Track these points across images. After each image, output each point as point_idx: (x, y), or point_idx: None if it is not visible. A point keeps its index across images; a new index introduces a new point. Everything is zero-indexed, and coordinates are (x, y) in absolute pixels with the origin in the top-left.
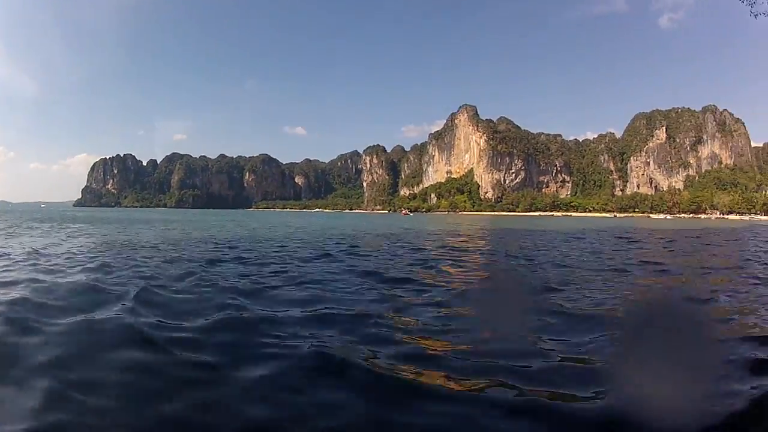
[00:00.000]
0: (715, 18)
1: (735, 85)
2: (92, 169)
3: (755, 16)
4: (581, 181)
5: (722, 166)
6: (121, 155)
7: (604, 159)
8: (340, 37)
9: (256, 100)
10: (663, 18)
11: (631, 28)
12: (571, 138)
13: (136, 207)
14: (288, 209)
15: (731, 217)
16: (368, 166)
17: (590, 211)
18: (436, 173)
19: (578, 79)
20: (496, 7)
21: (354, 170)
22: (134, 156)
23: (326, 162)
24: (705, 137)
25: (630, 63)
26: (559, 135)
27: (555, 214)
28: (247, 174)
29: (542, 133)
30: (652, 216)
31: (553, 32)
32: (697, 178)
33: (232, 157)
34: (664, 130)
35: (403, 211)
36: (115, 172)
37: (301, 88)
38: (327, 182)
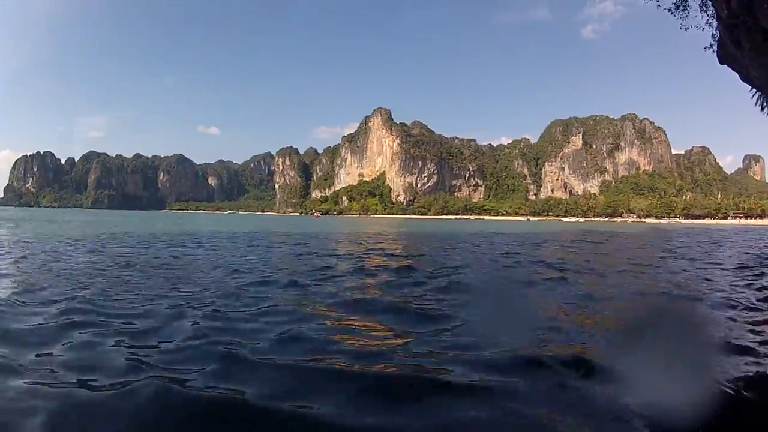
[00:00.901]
0: (642, 29)
1: (661, 95)
2: (14, 166)
3: (686, 29)
4: (494, 186)
5: (640, 171)
6: (41, 152)
7: (518, 164)
8: (257, 34)
9: (174, 97)
10: (586, 29)
11: (554, 37)
12: (486, 143)
13: (54, 207)
14: (201, 211)
15: (649, 220)
16: (281, 167)
17: (503, 215)
18: (348, 176)
19: (496, 86)
20: (417, 10)
21: (267, 172)
22: (53, 154)
23: (239, 163)
24: (623, 144)
25: (549, 71)
26: (473, 140)
27: (468, 217)
28: (162, 174)
29: (456, 138)
30: (564, 219)
31: (474, 38)
32: (613, 183)
33: (147, 157)
34: (581, 136)
35: (315, 214)
36: (35, 170)
37: (216, 85)
38: (240, 184)
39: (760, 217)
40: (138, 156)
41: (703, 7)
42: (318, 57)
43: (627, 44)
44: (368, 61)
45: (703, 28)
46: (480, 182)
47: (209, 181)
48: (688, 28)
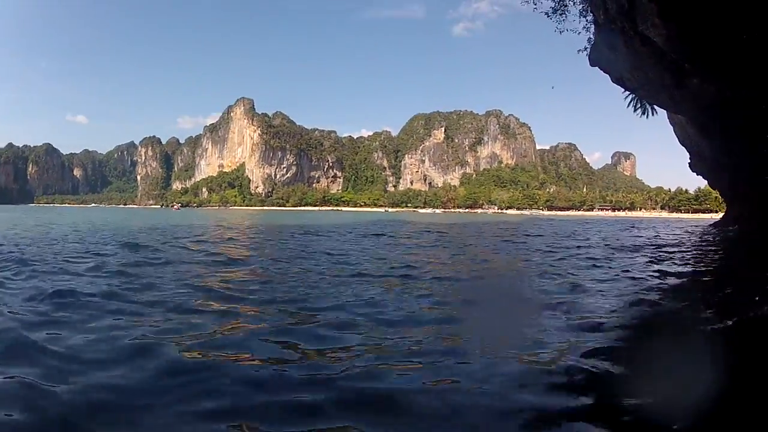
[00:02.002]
0: (516, 30)
1: (531, 94)
2: None
3: (561, 32)
4: (353, 177)
5: (503, 165)
6: None
7: (378, 156)
8: (127, 18)
9: (48, 82)
10: (458, 26)
11: (425, 34)
12: (346, 135)
13: None
14: (66, 204)
15: (510, 211)
16: (143, 158)
17: (362, 206)
18: (208, 167)
19: (361, 80)
20: (286, 1)
21: (129, 162)
22: None
23: (104, 153)
24: (486, 138)
25: (416, 67)
26: (334, 131)
27: (325, 208)
28: (31, 166)
29: (317, 129)
30: (420, 210)
31: (344, 32)
32: (474, 176)
33: (18, 147)
34: (443, 130)
35: (175, 206)
36: None
37: (82, 72)
38: (103, 175)
39: (629, 209)
40: (10, 146)
41: (583, 13)
42: (183, 44)
43: (499, 44)
44: (234, 51)
45: (579, 32)
46: (339, 174)
47: (74, 173)
48: (563, 31)
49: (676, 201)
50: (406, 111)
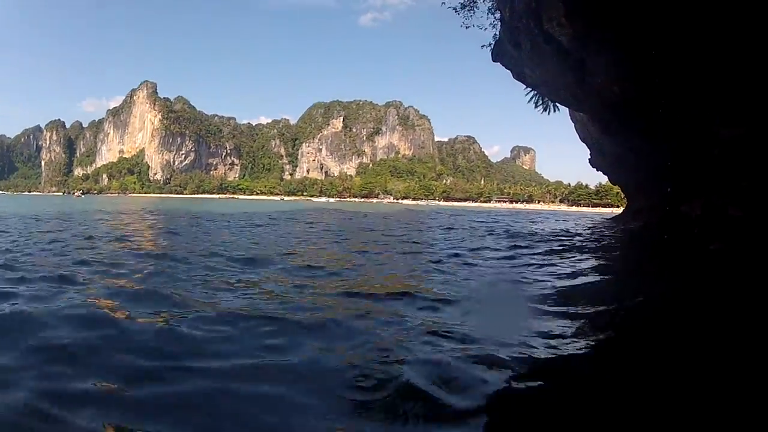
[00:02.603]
0: (423, 23)
1: (432, 86)
2: None
3: (467, 27)
4: (250, 165)
5: (400, 156)
6: None
7: (275, 144)
8: None
9: None
10: (366, 16)
11: (332, 23)
12: (245, 122)
13: None
14: None
15: (406, 201)
16: (47, 143)
17: (258, 194)
18: (109, 152)
19: (262, 66)
20: None
21: (35, 147)
22: None
23: (11, 137)
24: (384, 129)
25: (318, 56)
26: (233, 118)
27: (221, 196)
28: None
29: (216, 116)
30: (314, 199)
31: (250, 18)
32: (371, 165)
33: None
34: (342, 119)
35: (76, 194)
36: None
37: None
38: (11, 161)
39: (528, 202)
40: None
41: (492, 10)
42: (90, 21)
43: (404, 35)
44: (140, 30)
45: (486, 29)
46: (236, 161)
47: None
48: (469, 27)
49: (576, 195)
50: (307, 99)
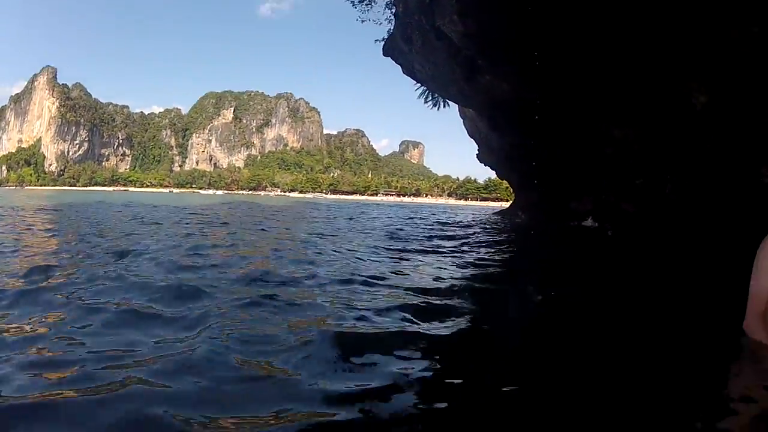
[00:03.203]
0: (319, 14)
1: (323, 79)
2: None
3: (362, 21)
4: (141, 156)
5: (288, 148)
6: None
7: (166, 134)
8: None
9: None
10: (265, 6)
11: (231, 12)
12: (138, 111)
13: None
14: None
15: (293, 194)
16: None
17: (149, 186)
18: (9, 142)
19: (157, 52)
20: None
21: None
22: None
23: None
24: (274, 121)
25: (216, 45)
26: (127, 106)
27: (114, 189)
28: None
29: (111, 104)
30: (201, 192)
31: (148, 2)
32: (259, 157)
33: None
34: (233, 110)
35: None
36: None
37: None
38: None
39: (415, 195)
40: None
41: (389, 5)
42: None
43: (300, 27)
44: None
45: (381, 23)
46: (128, 152)
47: None
48: (365, 21)
49: (465, 189)
50: (201, 89)
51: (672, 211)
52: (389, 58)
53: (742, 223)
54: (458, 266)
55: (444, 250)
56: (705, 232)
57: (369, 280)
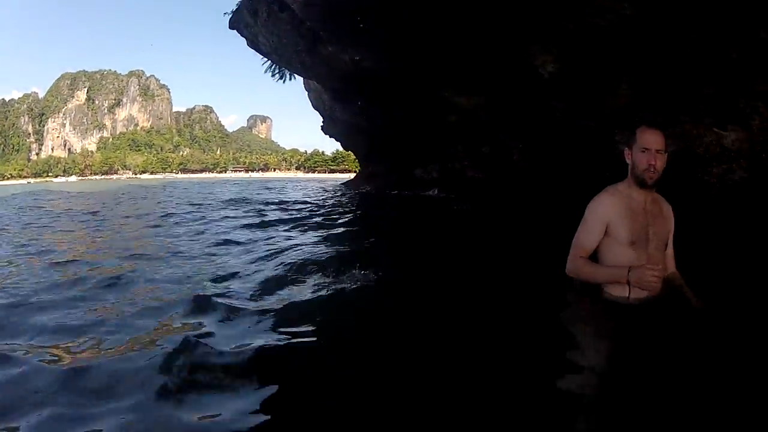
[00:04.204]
0: None
1: (174, 55)
2: None
3: None
4: (2, 146)
5: (138, 128)
6: None
7: (24, 121)
8: None
9: None
10: None
11: None
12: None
13: None
14: None
15: (144, 176)
16: None
17: (9, 179)
18: None
19: (16, 31)
20: None
21: None
22: None
23: None
24: (125, 100)
25: (71, 21)
26: None
27: None
28: None
29: None
30: (54, 180)
31: None
32: (111, 139)
33: None
34: (86, 91)
35: None
36: None
37: None
38: None
39: (264, 170)
40: None
41: None
42: None
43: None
44: None
45: None
46: None
47: None
48: None
49: (312, 162)
50: (59, 69)
51: (519, 178)
52: (235, 31)
53: (585, 190)
54: (275, 252)
55: (260, 233)
56: (551, 199)
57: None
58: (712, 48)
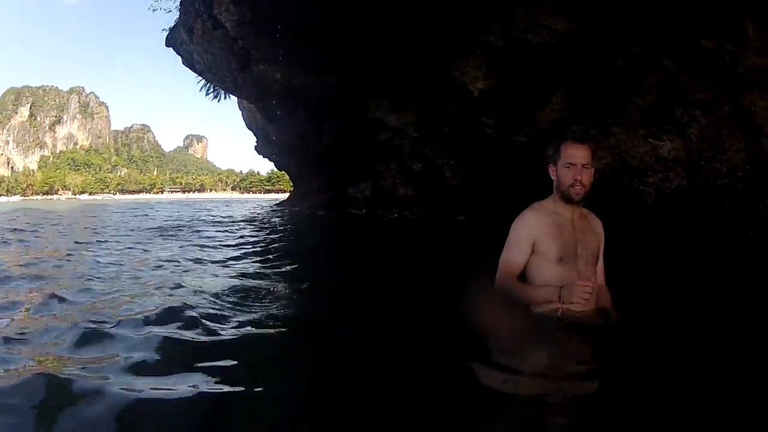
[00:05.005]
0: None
1: (116, 71)
2: None
3: (153, 10)
4: None
5: (78, 147)
6: None
7: None
8: None
9: None
10: None
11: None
12: None
13: None
14: None
15: (83, 197)
16: None
17: None
18: None
19: None
20: None
21: None
22: None
23: None
24: (66, 117)
25: (23, 36)
26: None
27: None
28: None
29: None
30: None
31: None
32: (51, 158)
33: None
34: (29, 107)
35: None
36: None
37: None
38: None
39: (200, 191)
40: None
41: None
42: None
43: (103, 14)
44: None
45: (170, 11)
46: None
47: None
48: (156, 9)
49: (248, 182)
50: (6, 84)
51: (451, 195)
52: (171, 49)
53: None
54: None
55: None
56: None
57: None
58: (646, 59)
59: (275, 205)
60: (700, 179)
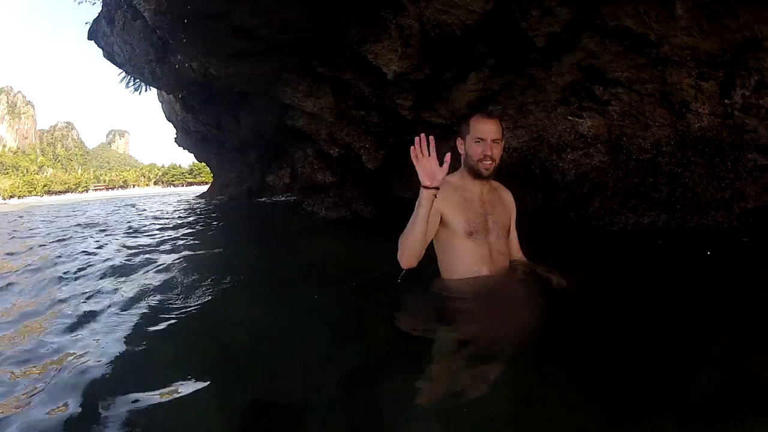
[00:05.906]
0: None
1: (40, 68)
2: None
3: (78, 3)
4: None
5: (6, 149)
6: None
7: None
8: None
9: None
10: None
11: None
12: None
13: None
14: None
15: (12, 201)
16: None
17: None
18: None
19: None
20: None
21: None
22: None
23: None
24: None
25: None
26: None
27: None
28: None
29: None
30: None
31: None
32: None
33: None
34: None
35: None
36: None
37: None
38: None
39: (123, 187)
40: None
41: None
42: None
43: (32, 6)
44: None
45: (95, 2)
46: None
47: None
48: (81, 2)
49: (170, 176)
50: None
51: (370, 179)
52: (93, 42)
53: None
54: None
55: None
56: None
57: None
58: (566, 39)
59: (197, 197)
60: (622, 155)
